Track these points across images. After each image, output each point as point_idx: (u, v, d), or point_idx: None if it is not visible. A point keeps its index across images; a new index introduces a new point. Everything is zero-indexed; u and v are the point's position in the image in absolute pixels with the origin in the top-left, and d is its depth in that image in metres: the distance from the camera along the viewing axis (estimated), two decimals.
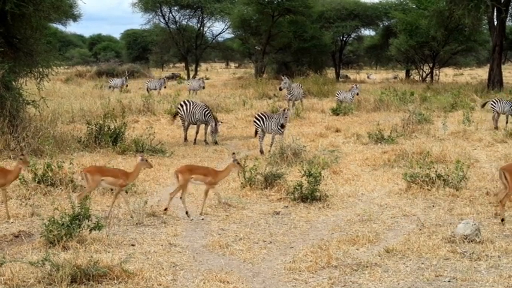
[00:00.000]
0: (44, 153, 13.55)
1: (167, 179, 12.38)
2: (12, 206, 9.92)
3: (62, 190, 10.76)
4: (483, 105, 22.65)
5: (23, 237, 8.36)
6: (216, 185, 10.06)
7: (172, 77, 52.37)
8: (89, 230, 8.04)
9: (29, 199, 10.38)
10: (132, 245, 8.20)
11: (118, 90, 33.48)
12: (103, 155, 14.64)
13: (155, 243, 8.31)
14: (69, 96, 27.65)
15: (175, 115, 18.64)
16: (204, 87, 33.24)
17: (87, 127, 15.89)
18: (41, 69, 16.46)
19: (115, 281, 6.77)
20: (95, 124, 15.86)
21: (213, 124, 17.18)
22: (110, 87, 34.27)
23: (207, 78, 48.43)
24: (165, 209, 9.82)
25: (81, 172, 9.58)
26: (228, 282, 6.91)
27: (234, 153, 10.82)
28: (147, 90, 33.30)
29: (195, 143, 17.33)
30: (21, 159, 9.50)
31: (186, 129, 17.85)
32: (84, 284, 6.65)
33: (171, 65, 77.06)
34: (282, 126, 15.43)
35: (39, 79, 16.40)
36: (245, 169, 11.28)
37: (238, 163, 10.26)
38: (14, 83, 15.59)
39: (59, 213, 8.12)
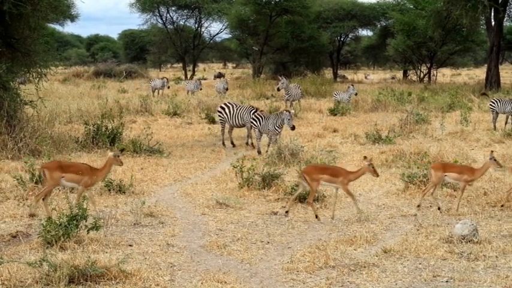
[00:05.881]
0: (42, 154, 13.52)
1: (164, 179, 12.38)
2: (9, 207, 9.93)
3: (60, 190, 10.73)
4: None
5: (20, 238, 8.34)
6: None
7: (219, 76, 52.54)
8: (86, 230, 8.03)
9: (27, 199, 10.35)
10: (130, 246, 8.19)
11: (157, 93, 32.47)
12: (100, 156, 14.61)
13: (153, 244, 8.30)
14: (66, 97, 27.64)
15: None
16: (201, 89, 33.16)
17: (85, 127, 15.88)
18: (39, 70, 16.43)
19: (113, 282, 6.76)
20: (93, 124, 15.86)
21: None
22: (151, 87, 33.43)
23: (204, 79, 48.44)
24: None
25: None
26: (225, 282, 6.90)
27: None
28: (187, 92, 33.01)
29: (247, 143, 16.97)
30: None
31: (223, 133, 17.20)
32: (82, 285, 6.64)
33: (169, 66, 77.02)
34: (293, 128, 15.28)
35: (37, 79, 16.37)
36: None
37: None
38: (11, 83, 15.57)
39: (57, 213, 8.11)
